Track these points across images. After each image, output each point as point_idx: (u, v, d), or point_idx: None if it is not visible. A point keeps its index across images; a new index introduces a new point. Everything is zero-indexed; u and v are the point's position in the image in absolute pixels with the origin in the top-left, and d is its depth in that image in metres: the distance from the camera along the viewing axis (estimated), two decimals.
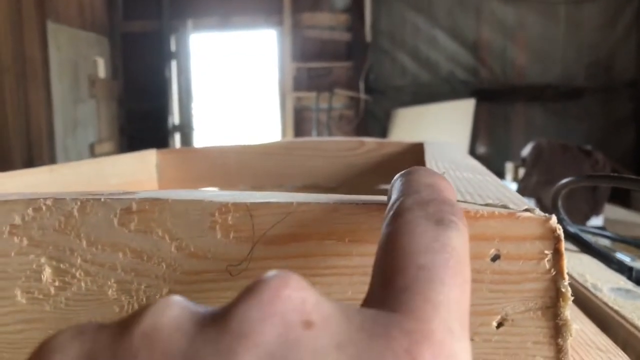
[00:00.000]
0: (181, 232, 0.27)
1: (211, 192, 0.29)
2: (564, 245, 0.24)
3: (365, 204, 0.26)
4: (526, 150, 2.67)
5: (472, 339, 0.26)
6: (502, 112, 4.12)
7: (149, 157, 0.90)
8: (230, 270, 0.27)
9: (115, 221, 0.27)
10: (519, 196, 0.28)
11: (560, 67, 4.11)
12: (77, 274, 0.28)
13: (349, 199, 0.26)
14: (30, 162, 3.25)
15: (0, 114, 3.11)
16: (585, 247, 0.55)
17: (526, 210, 0.24)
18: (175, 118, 4.43)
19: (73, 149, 3.65)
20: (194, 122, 4.51)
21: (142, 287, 0.27)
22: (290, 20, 4.14)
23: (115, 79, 4.26)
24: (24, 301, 0.28)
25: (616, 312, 0.38)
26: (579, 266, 0.50)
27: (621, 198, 2.98)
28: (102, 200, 0.28)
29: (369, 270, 0.25)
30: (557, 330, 0.25)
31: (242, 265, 0.27)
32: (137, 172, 0.86)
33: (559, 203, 0.56)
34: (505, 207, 0.25)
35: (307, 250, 0.26)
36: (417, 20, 4.09)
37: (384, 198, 0.26)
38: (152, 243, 0.27)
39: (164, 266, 0.27)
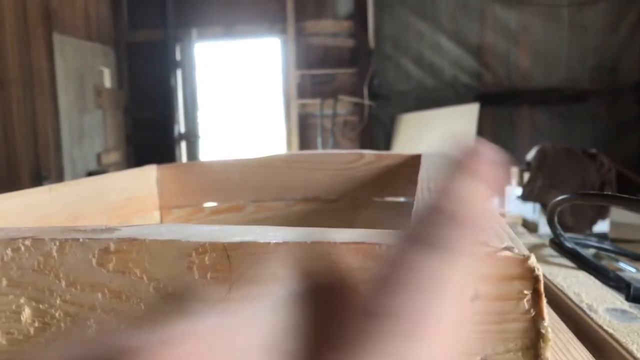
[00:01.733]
0: (159, 272, 0.27)
1: (189, 229, 0.29)
2: (543, 285, 0.24)
3: (343, 244, 0.26)
4: (531, 155, 2.65)
5: None
6: (507, 116, 4.11)
7: (149, 173, 0.90)
8: (207, 312, 0.27)
9: (94, 261, 0.27)
10: (506, 228, 0.28)
11: (565, 70, 4.09)
12: (57, 315, 0.28)
13: (327, 237, 0.26)
14: (37, 172, 3.28)
15: (8, 125, 3.14)
16: (583, 264, 0.55)
17: (506, 248, 0.24)
18: (181, 126, 4.45)
19: (80, 158, 3.67)
20: (199, 130, 4.53)
21: (122, 327, 0.27)
22: (294, 28, 4.15)
23: (121, 88, 4.29)
24: (4, 342, 0.28)
25: (610, 335, 0.38)
26: (576, 285, 0.49)
27: None
28: (81, 240, 0.28)
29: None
30: None
31: (220, 306, 0.25)
32: (137, 188, 0.86)
33: (555, 219, 0.56)
34: (485, 244, 0.25)
35: (285, 289, 0.26)
36: (421, 26, 4.09)
37: (363, 232, 0.26)
38: (131, 283, 0.27)
39: (143, 306, 0.27)
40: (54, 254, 0.27)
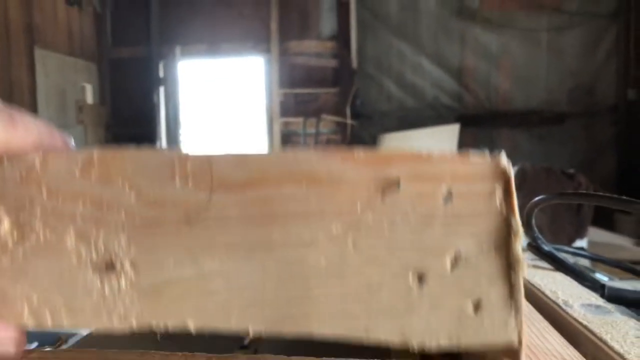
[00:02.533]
0: (141, 181, 0.27)
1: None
2: (513, 184, 0.25)
3: (323, 151, 0.27)
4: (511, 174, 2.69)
5: (426, 279, 0.26)
6: (487, 137, 4.16)
7: None
8: (188, 218, 0.27)
9: (77, 172, 0.28)
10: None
11: (544, 93, 4.17)
12: (37, 226, 0.28)
13: (307, 151, 0.27)
14: None
15: None
16: (560, 265, 0.56)
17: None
18: (163, 144, 4.43)
19: None
20: (181, 147, 4.51)
21: (101, 236, 0.27)
22: (278, 47, 4.18)
23: (103, 104, 4.27)
24: None
25: (585, 327, 0.38)
26: (552, 284, 0.50)
27: (605, 221, 3.00)
28: (65, 152, 0.28)
29: (326, 213, 0.26)
30: (510, 266, 0.26)
31: (200, 212, 0.27)
32: None
33: (532, 221, 0.57)
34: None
35: (265, 196, 0.27)
36: (403, 47, 4.15)
37: (342, 153, 0.27)
38: (113, 192, 0.27)
39: (124, 215, 0.27)
40: (37, 166, 0.28)
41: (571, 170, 2.75)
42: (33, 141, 0.28)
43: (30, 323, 0.28)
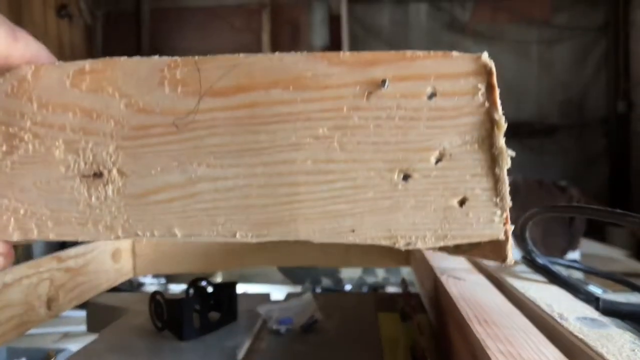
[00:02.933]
0: (131, 89, 0.28)
1: None
2: (496, 78, 0.26)
3: (309, 53, 0.27)
4: None
5: (412, 176, 0.26)
6: None
7: None
8: (177, 124, 0.27)
9: (68, 82, 0.28)
10: None
11: (535, 104, 4.20)
12: (26, 137, 0.28)
13: (293, 53, 0.27)
14: None
15: None
16: (554, 278, 0.56)
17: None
18: None
19: None
20: None
21: (90, 145, 0.28)
22: None
23: None
24: None
25: (581, 340, 0.38)
26: (547, 297, 0.50)
27: (597, 233, 3.01)
28: (57, 64, 0.29)
29: (312, 115, 0.27)
30: (494, 160, 0.26)
31: (189, 118, 0.27)
32: None
33: (527, 234, 0.57)
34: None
35: (253, 100, 0.27)
36: None
37: (328, 54, 0.27)
38: (103, 101, 0.28)
39: (112, 123, 0.28)
40: (29, 77, 0.28)
41: (563, 183, 2.77)
42: (31, 57, 0.29)
43: (16, 236, 0.28)
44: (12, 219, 0.28)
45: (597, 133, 4.17)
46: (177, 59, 0.28)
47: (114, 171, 0.27)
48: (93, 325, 0.80)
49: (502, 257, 0.26)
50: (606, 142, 4.16)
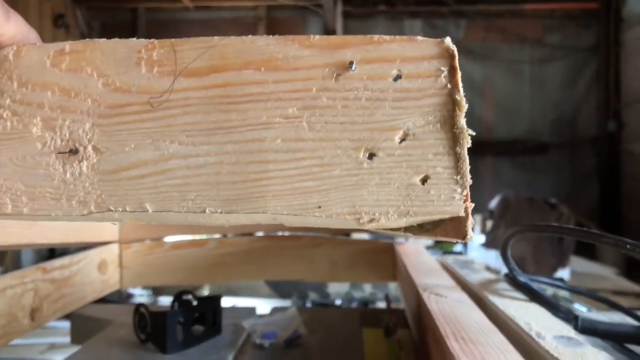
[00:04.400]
0: (109, 69, 0.29)
1: None
2: (457, 61, 0.27)
3: (280, 36, 0.28)
4: (494, 203, 2.71)
5: (376, 154, 0.27)
6: (471, 165, 4.18)
7: None
8: (151, 102, 0.28)
9: (48, 62, 0.29)
10: None
11: (527, 122, 4.23)
12: (4, 115, 0.29)
13: (265, 36, 0.29)
14: None
15: None
16: (535, 296, 0.56)
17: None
18: None
19: None
20: None
21: (67, 122, 0.29)
22: None
23: None
24: None
25: (556, 359, 0.39)
26: (526, 315, 0.50)
27: (587, 251, 3.02)
28: (38, 44, 0.30)
29: (282, 95, 0.28)
30: (455, 140, 0.27)
31: (163, 97, 0.28)
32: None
33: (508, 252, 0.57)
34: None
35: (225, 80, 0.28)
36: None
37: (298, 37, 0.28)
38: (81, 81, 0.29)
39: (90, 102, 0.29)
40: (10, 57, 0.29)
41: (553, 200, 2.78)
42: (22, 39, 0.30)
43: None
44: None
45: (588, 152, 4.21)
46: (155, 41, 0.29)
47: (89, 148, 0.28)
48: (77, 336, 0.80)
49: (462, 235, 0.27)
50: (597, 161, 4.19)
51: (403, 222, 0.27)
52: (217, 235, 1.01)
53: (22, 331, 0.62)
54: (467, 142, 0.27)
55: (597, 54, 4.20)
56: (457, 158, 0.27)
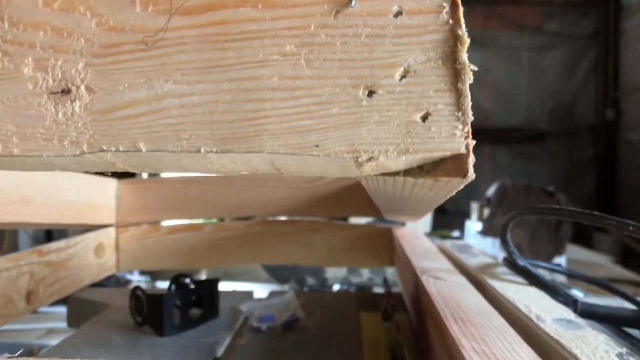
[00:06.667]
0: (103, 8, 0.28)
1: None
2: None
3: None
4: (491, 191, 2.71)
5: (376, 92, 0.27)
6: None
7: (109, 186, 0.89)
8: (146, 41, 0.28)
9: (40, 2, 0.28)
10: None
11: (525, 111, 4.23)
12: None
13: None
14: None
15: None
16: (534, 280, 0.56)
17: None
18: None
19: None
20: None
21: (59, 62, 0.28)
22: None
23: None
24: None
25: (556, 341, 0.38)
26: (526, 298, 0.50)
27: (584, 239, 3.03)
28: None
29: (280, 32, 0.27)
30: (457, 76, 0.27)
31: (158, 35, 0.28)
32: (95, 196, 0.84)
33: (508, 235, 0.57)
34: None
35: (222, 18, 0.27)
36: None
37: None
38: (74, 20, 0.28)
39: (83, 41, 0.28)
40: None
41: (550, 188, 2.78)
42: None
43: None
44: None
45: (585, 141, 4.21)
46: None
47: (82, 87, 0.28)
48: (73, 319, 0.80)
49: (463, 172, 0.27)
50: (594, 151, 4.20)
51: (402, 161, 0.27)
52: (214, 220, 1.00)
53: (17, 314, 0.62)
54: (469, 78, 0.26)
55: (596, 42, 4.19)
56: (458, 94, 0.27)
